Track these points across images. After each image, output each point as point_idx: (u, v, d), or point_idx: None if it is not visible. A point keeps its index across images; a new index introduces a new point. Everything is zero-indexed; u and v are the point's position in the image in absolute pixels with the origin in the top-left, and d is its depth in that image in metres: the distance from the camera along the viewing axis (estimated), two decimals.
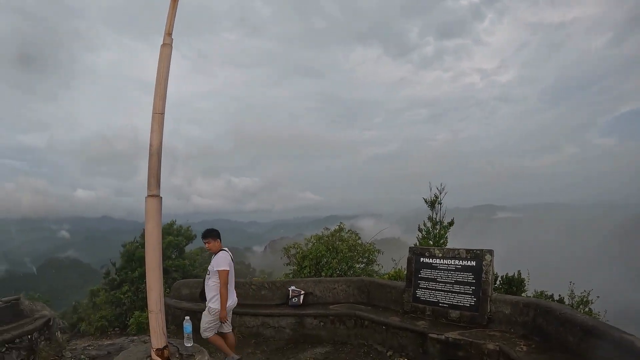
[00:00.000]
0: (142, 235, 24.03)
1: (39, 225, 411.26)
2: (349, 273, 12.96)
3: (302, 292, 10.54)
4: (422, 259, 9.31)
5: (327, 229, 14.38)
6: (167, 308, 11.77)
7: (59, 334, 10.54)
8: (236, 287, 8.09)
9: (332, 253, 13.19)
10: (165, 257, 22.44)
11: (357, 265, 13.58)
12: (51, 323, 9.85)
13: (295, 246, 14.04)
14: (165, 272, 22.43)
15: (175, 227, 24.65)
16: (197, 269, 24.92)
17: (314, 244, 13.80)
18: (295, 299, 10.46)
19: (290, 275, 13.74)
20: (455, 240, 12.42)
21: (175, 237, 23.62)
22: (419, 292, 9.19)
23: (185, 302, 11.59)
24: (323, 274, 12.67)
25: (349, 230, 14.36)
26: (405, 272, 12.02)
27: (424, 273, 9.19)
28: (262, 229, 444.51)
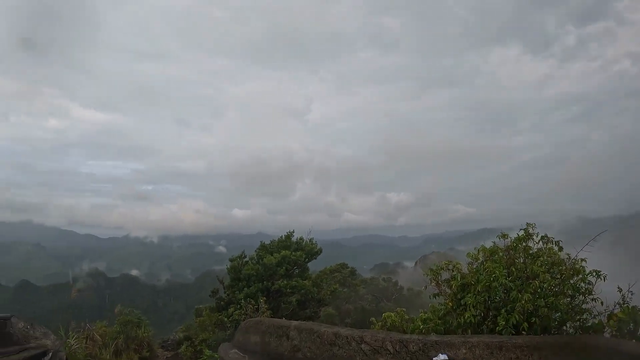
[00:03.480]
0: (260, 247, 19.97)
1: (199, 241, 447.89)
2: (551, 319, 7.09)
3: None
4: None
5: (504, 235, 8.34)
6: None
7: None
8: (333, 345, 5.73)
9: (517, 280, 7.40)
10: (277, 275, 18.11)
11: (563, 300, 7.59)
12: (46, 358, 7.65)
13: (452, 266, 8.36)
14: (279, 293, 18.02)
15: (293, 239, 20.03)
16: (324, 293, 20.18)
17: (482, 263, 8.02)
18: None
19: (439, 314, 8.21)
20: None
21: (293, 251, 19.00)
22: None
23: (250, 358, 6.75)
24: (501, 322, 6.83)
25: (542, 237, 8.20)
26: None
27: None
28: (412, 244, 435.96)
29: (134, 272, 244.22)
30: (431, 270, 8.47)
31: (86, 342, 16.76)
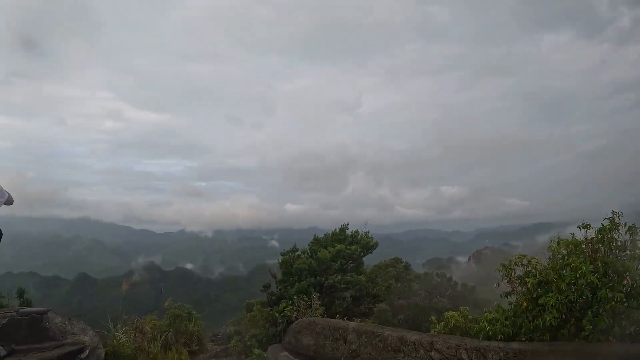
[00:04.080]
0: (314, 240, 19.31)
1: (252, 236, 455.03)
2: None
3: None
4: None
5: (586, 226, 7.33)
6: None
7: None
8: (398, 351, 4.86)
9: (604, 277, 6.46)
10: (331, 270, 17.46)
11: None
12: (83, 356, 7.20)
13: (526, 261, 7.42)
14: (333, 289, 17.39)
15: (348, 232, 19.28)
16: (379, 288, 19.34)
17: (563, 257, 7.08)
18: None
19: (507, 314, 7.33)
20: None
21: (348, 245, 18.28)
22: None
23: None
24: (587, 326, 5.94)
25: (629, 228, 7.15)
26: None
27: None
28: (465, 238, 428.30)
29: (189, 266, 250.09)
30: (503, 265, 7.50)
31: (135, 335, 16.59)
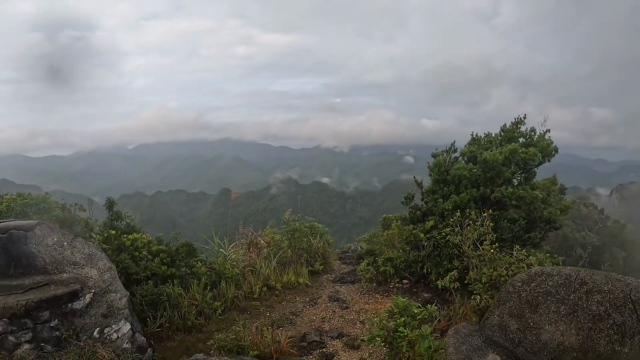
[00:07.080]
0: (472, 141, 14.27)
1: (387, 151, 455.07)
2: None
3: None
4: None
5: None
6: None
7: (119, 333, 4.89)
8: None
9: None
10: (501, 178, 12.56)
11: None
12: (78, 305, 3.93)
13: None
14: (499, 205, 12.67)
15: (524, 129, 13.77)
16: (553, 211, 13.58)
17: None
18: None
19: None
20: None
21: (524, 147, 12.85)
22: None
23: None
24: None
25: None
26: None
27: None
28: (609, 169, 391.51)
29: (324, 180, 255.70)
30: None
31: (249, 251, 13.79)
